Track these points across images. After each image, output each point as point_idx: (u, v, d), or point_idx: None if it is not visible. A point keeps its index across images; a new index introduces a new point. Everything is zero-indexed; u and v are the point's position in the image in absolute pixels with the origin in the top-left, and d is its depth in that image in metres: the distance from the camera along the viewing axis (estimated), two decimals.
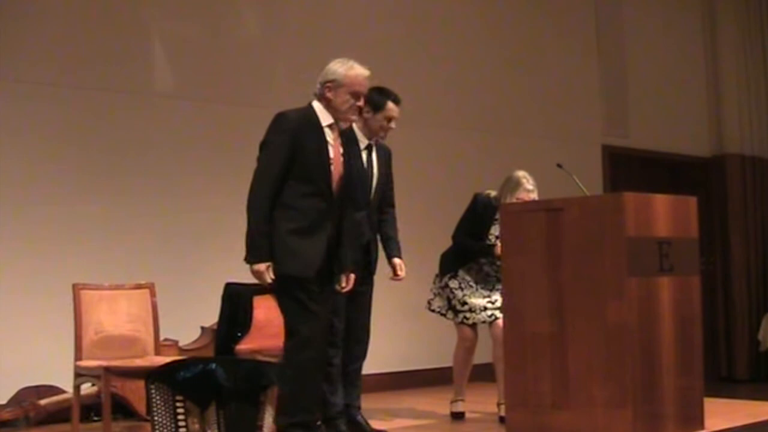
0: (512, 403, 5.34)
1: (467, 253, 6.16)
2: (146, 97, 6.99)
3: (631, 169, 10.11)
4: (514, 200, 5.97)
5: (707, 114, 10.96)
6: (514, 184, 6.05)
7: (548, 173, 6.29)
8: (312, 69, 5.07)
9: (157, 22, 7.14)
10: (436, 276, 6.27)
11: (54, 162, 6.57)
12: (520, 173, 6.08)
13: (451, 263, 6.20)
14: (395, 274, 5.68)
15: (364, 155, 5.50)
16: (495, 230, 6.06)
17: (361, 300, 5.53)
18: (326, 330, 4.95)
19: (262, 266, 4.65)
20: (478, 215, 6.15)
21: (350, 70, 4.82)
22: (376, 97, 5.45)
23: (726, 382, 10.04)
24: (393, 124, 5.55)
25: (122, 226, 6.76)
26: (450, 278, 6.15)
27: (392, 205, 5.74)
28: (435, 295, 6.25)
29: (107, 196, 6.73)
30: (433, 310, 6.26)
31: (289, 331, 4.78)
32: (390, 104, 5.51)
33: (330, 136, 4.82)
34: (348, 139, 5.13)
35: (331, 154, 4.81)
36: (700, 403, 5.35)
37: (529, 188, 6.03)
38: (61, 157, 6.60)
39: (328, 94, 4.80)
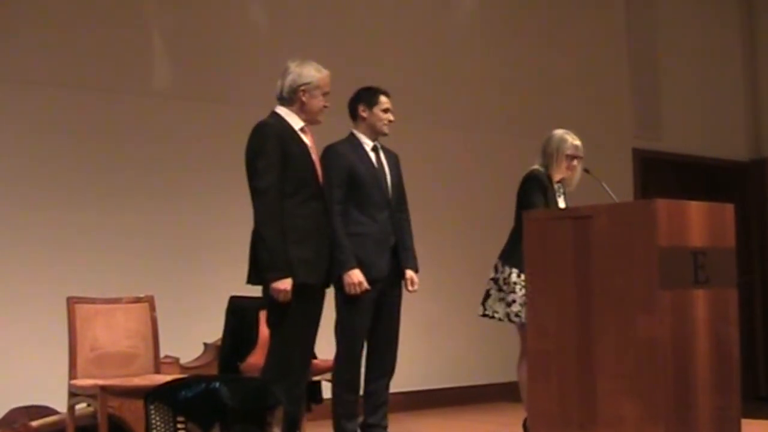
0: (536, 422, 5.32)
1: None
2: (146, 98, 7.02)
3: (663, 174, 10.09)
4: (565, 156, 5.92)
5: (745, 115, 10.93)
6: (558, 141, 5.95)
7: None
8: None
9: (157, 21, 7.17)
10: (515, 284, 5.79)
11: (47, 165, 6.59)
12: (558, 131, 5.98)
13: None
14: (406, 287, 5.65)
15: (372, 156, 5.60)
16: (561, 203, 5.93)
17: (390, 308, 5.57)
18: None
19: (288, 282, 4.73)
20: (542, 186, 5.85)
21: (320, 71, 5.01)
22: (366, 95, 5.61)
23: (765, 402, 10.00)
24: (391, 116, 5.65)
25: (119, 233, 6.77)
26: None
27: (406, 210, 5.76)
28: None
29: (103, 202, 6.75)
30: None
31: (280, 354, 4.85)
32: (382, 96, 5.64)
33: (306, 139, 4.99)
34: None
35: (314, 156, 5.01)
36: (737, 424, 5.31)
37: (576, 143, 5.95)
38: (56, 161, 6.63)
39: (303, 98, 4.97)
